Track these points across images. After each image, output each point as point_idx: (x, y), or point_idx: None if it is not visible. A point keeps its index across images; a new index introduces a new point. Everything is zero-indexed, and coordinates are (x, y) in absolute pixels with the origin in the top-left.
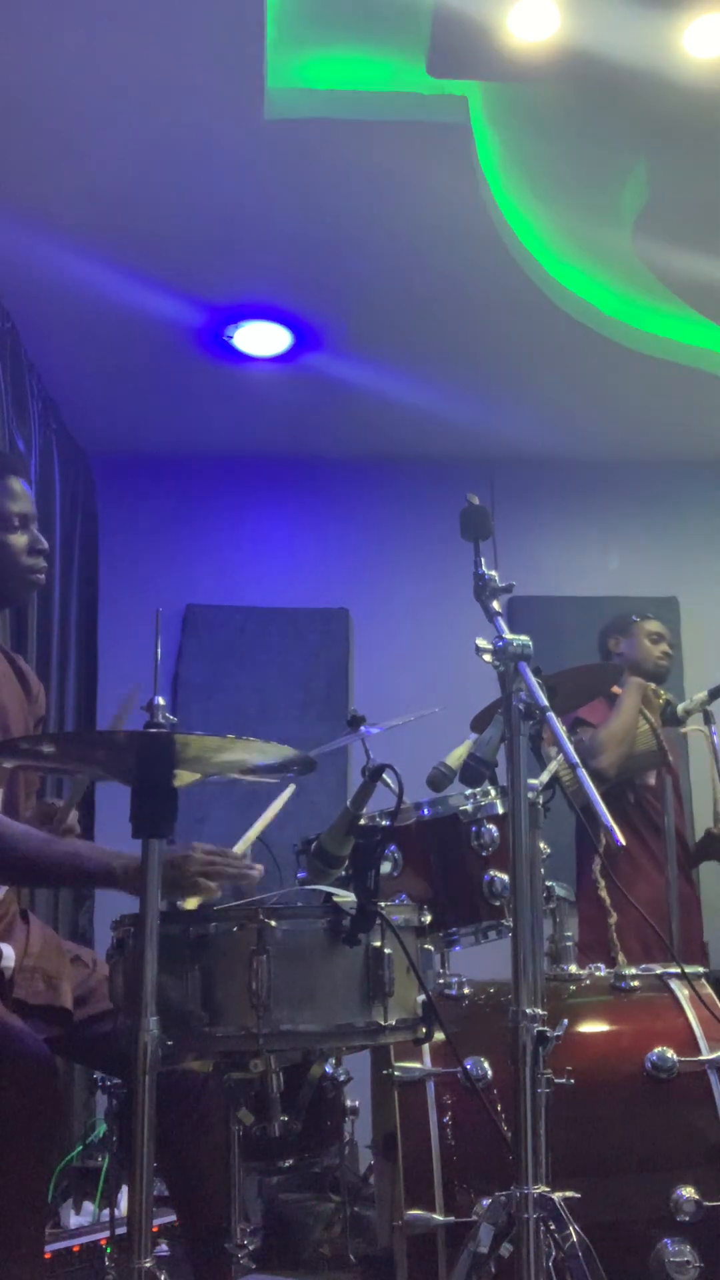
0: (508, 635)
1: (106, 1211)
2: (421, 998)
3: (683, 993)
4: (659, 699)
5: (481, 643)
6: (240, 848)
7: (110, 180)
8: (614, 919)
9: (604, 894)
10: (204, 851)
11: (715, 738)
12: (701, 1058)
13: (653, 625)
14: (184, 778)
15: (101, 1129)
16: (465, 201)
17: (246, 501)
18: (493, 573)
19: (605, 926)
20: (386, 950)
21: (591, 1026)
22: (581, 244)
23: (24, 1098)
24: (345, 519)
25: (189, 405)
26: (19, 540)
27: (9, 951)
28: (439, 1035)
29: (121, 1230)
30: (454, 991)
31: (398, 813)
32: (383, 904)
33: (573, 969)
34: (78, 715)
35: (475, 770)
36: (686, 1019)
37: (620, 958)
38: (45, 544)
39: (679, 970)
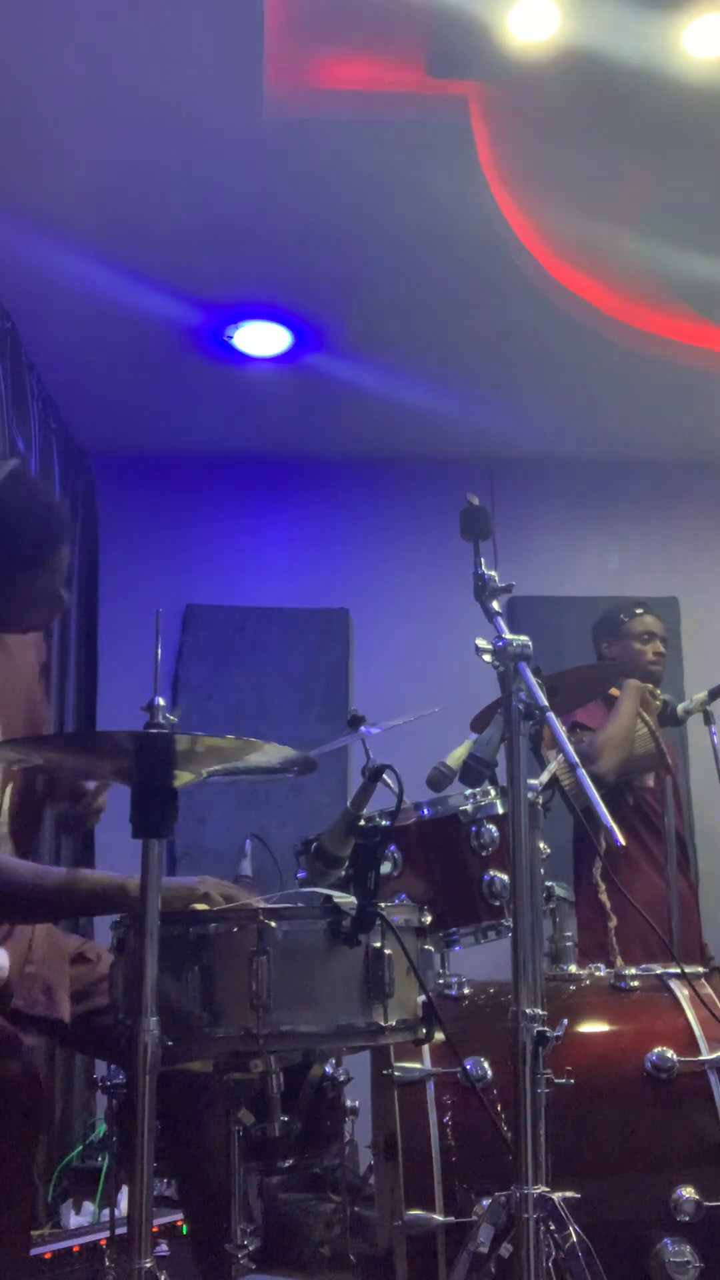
0: (508, 635)
1: (106, 1211)
2: (421, 998)
3: (683, 993)
4: (657, 700)
5: (481, 643)
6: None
7: (110, 180)
8: (614, 923)
9: (604, 898)
10: (216, 890)
11: (715, 738)
12: (701, 1058)
13: (642, 623)
14: (184, 778)
15: (101, 1129)
16: (465, 201)
17: (246, 501)
18: (493, 573)
19: (605, 930)
20: (387, 951)
21: (591, 1026)
22: (581, 244)
23: (5, 1106)
24: (345, 519)
25: (189, 405)
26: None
27: (3, 960)
28: (439, 1035)
29: (121, 1230)
30: (454, 991)
31: (398, 813)
32: (383, 904)
33: (573, 969)
34: (78, 715)
35: (475, 770)
36: (686, 1019)
37: (619, 961)
38: (66, 597)
39: (679, 970)
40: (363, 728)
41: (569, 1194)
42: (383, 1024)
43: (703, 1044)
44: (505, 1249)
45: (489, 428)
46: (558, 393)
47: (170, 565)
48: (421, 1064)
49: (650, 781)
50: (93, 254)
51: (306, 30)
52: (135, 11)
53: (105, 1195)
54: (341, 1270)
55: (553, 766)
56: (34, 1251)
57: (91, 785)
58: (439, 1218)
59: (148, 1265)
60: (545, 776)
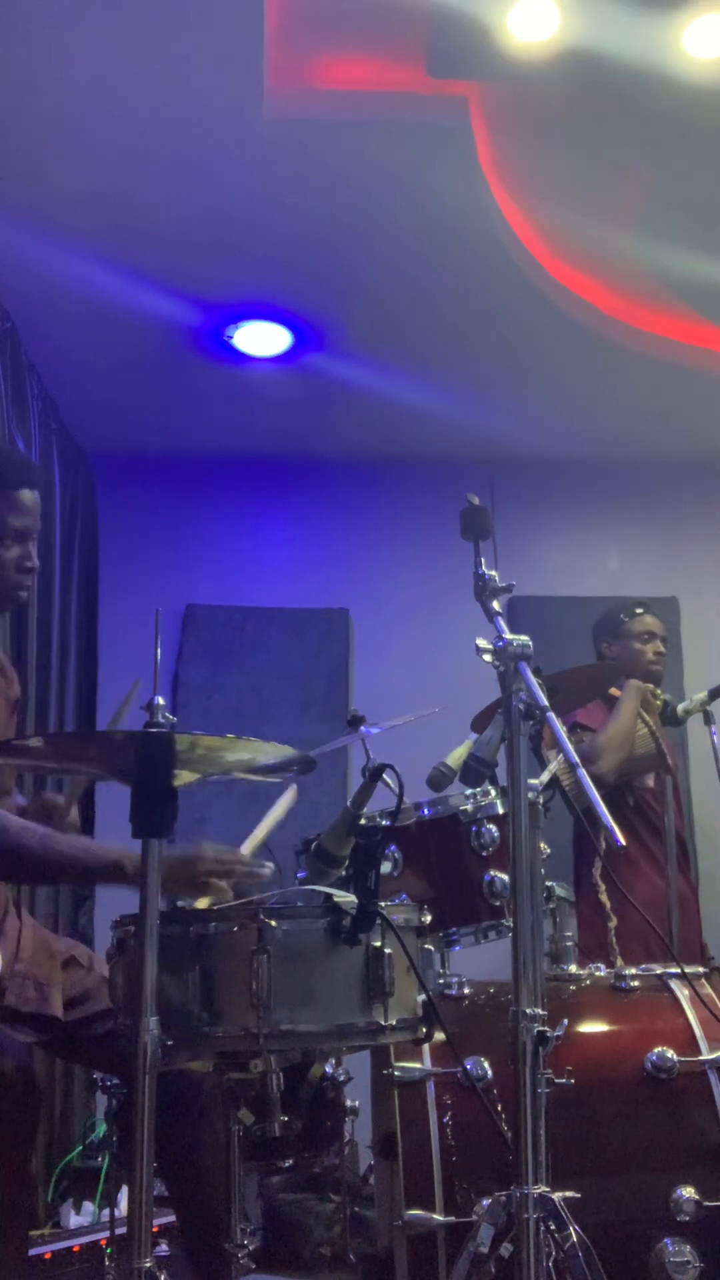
0: (508, 635)
1: (106, 1211)
2: (422, 998)
3: (683, 993)
4: (657, 700)
5: (481, 643)
6: (246, 849)
7: (110, 180)
8: (614, 923)
9: (604, 898)
10: (213, 850)
11: (715, 738)
12: (701, 1058)
13: (642, 623)
14: (184, 778)
15: (101, 1129)
16: (465, 201)
17: (246, 501)
18: (493, 573)
19: (605, 930)
20: (387, 950)
21: (591, 1026)
22: (581, 244)
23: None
24: (345, 519)
25: (189, 405)
26: (10, 554)
27: None
28: (439, 1035)
29: (121, 1230)
30: (454, 991)
31: (398, 813)
32: (383, 904)
33: (573, 969)
34: (78, 715)
35: (475, 770)
36: (686, 1019)
37: (619, 961)
38: (36, 562)
39: (679, 970)
40: (363, 728)
41: (569, 1194)
42: (383, 1023)
43: (703, 1044)
44: (505, 1249)
45: (489, 428)
46: (558, 393)
47: (170, 565)
48: (421, 1064)
49: (650, 781)
50: (93, 254)
51: (306, 30)
52: (135, 11)
53: (105, 1195)
54: (341, 1270)
55: (553, 766)
56: (34, 1251)
57: (61, 799)
58: (439, 1218)
59: (148, 1265)
60: (545, 776)
